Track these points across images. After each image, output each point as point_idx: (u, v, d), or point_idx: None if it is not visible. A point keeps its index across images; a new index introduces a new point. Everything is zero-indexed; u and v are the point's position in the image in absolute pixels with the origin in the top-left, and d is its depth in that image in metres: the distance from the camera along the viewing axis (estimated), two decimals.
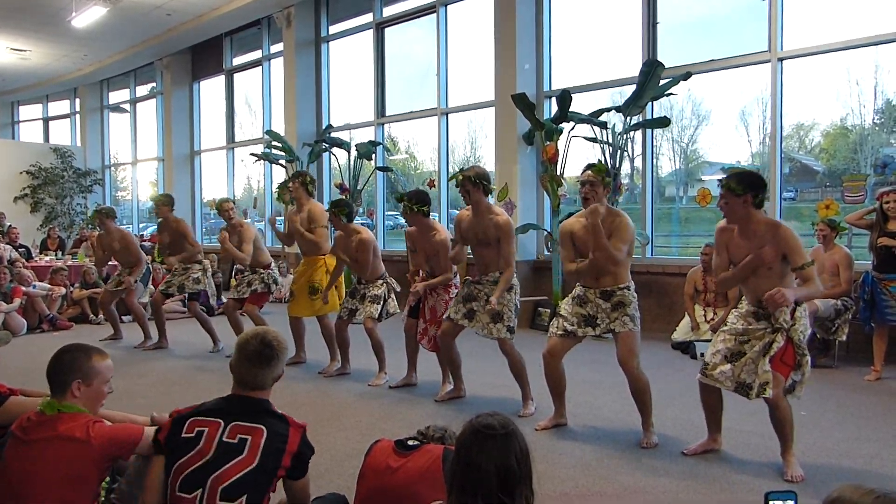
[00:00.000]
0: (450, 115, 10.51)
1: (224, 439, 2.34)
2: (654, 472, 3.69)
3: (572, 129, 8.10)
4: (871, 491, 1.42)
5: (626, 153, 8.01)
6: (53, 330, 8.73)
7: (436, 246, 5.18)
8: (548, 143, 8.19)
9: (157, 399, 5.23)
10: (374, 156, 10.84)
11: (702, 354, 5.79)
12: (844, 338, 6.07)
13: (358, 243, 5.67)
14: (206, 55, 14.86)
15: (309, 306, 6.26)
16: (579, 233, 4.23)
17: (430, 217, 5.36)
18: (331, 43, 12.45)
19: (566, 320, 4.27)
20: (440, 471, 2.29)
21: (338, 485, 3.35)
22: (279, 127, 12.47)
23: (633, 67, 8.06)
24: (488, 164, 9.40)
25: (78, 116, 18.67)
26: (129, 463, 2.56)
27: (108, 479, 2.53)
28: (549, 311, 8.16)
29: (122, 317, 8.42)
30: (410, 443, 2.49)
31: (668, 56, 7.92)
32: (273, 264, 7.01)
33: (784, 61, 7.29)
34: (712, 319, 6.72)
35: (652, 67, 7.57)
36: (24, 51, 14.90)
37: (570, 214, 4.57)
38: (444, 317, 4.96)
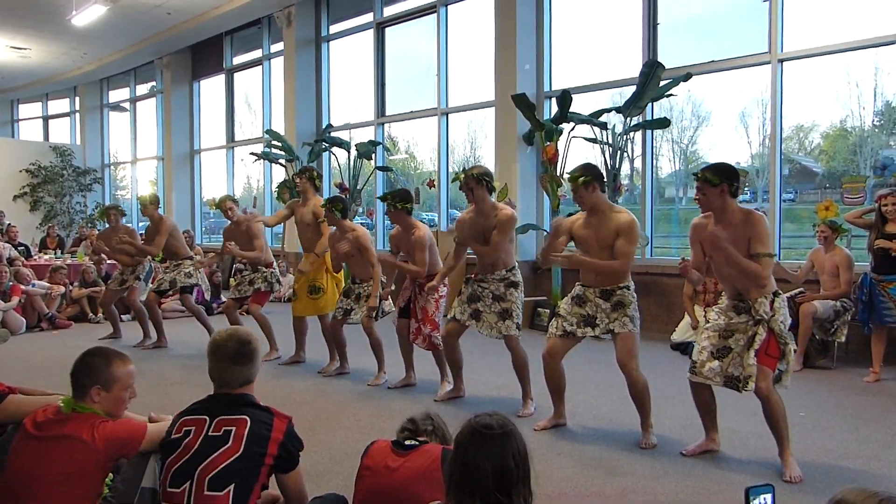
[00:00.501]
0: (450, 115, 10.50)
1: (210, 433, 2.37)
2: (653, 472, 3.69)
3: (572, 129, 8.10)
4: (875, 494, 1.42)
5: (625, 154, 8.01)
6: (53, 329, 8.73)
7: (413, 243, 5.20)
8: (548, 143, 8.18)
9: (157, 398, 5.22)
10: (373, 155, 10.84)
11: None
12: (843, 339, 6.07)
13: (355, 240, 5.67)
14: (207, 54, 14.85)
15: (311, 305, 6.27)
16: (579, 231, 4.24)
17: (413, 216, 5.36)
18: (331, 42, 12.45)
19: (565, 320, 4.27)
20: (439, 471, 2.29)
21: (337, 484, 3.34)
22: (279, 126, 12.47)
23: (634, 68, 8.06)
24: (488, 164, 9.38)
25: (77, 115, 18.67)
26: (124, 462, 2.56)
27: (111, 476, 2.54)
28: (548, 311, 8.16)
29: (122, 315, 8.42)
30: (408, 442, 2.49)
31: (669, 57, 7.92)
32: (275, 263, 7.00)
33: (784, 63, 7.29)
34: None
35: (652, 68, 7.57)
36: (24, 49, 14.89)
37: (570, 215, 4.57)
38: (449, 317, 4.96)
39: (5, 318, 8.27)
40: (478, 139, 10.80)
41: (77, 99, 18.60)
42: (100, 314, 9.29)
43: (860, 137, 7.60)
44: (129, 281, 7.68)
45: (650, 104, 7.90)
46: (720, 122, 8.61)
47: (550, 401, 4.50)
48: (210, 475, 2.29)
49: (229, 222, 6.88)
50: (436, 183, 10.28)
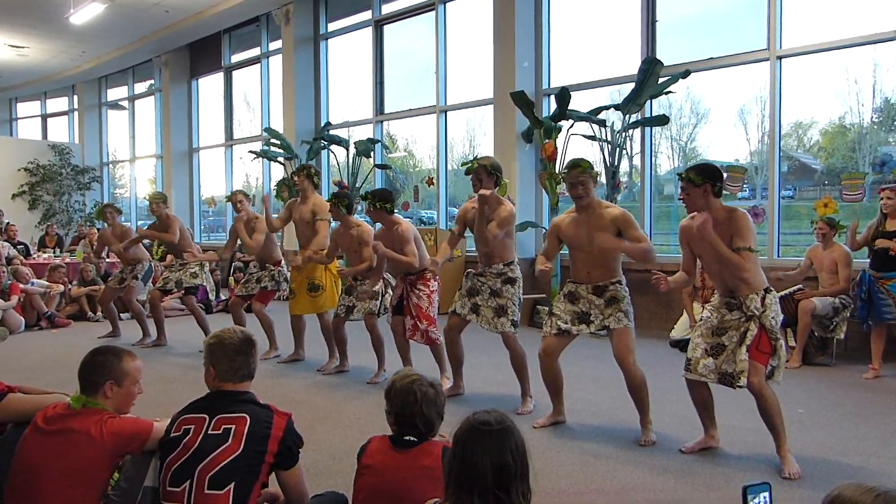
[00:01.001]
0: (448, 113, 10.50)
1: (209, 432, 2.37)
2: (652, 469, 3.70)
3: (571, 126, 8.10)
4: (872, 489, 1.42)
5: (624, 151, 8.01)
6: (51, 327, 8.73)
7: (399, 238, 5.21)
8: (546, 140, 8.19)
9: (156, 397, 5.22)
10: (372, 153, 10.84)
11: None
12: (843, 336, 6.08)
13: (359, 235, 5.68)
14: (205, 52, 14.84)
15: (310, 303, 6.26)
16: (567, 229, 4.24)
17: (395, 214, 5.41)
18: (329, 40, 12.44)
19: (559, 318, 4.27)
20: (440, 468, 2.29)
21: (336, 482, 3.35)
22: (278, 124, 12.47)
23: (632, 65, 8.06)
24: None
25: (76, 113, 18.65)
26: (126, 459, 2.57)
27: (116, 474, 2.55)
28: (547, 308, 8.16)
29: (121, 314, 8.42)
30: (407, 438, 2.49)
31: (667, 54, 7.92)
32: (283, 261, 6.99)
33: (783, 59, 7.29)
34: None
35: (651, 65, 7.57)
36: (23, 47, 14.87)
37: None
38: (450, 311, 4.96)
39: (4, 317, 8.26)
40: (476, 137, 10.81)
41: (75, 97, 18.58)
42: (99, 313, 9.30)
43: (859, 134, 7.61)
44: (128, 280, 7.69)
45: (649, 101, 7.90)
46: (719, 119, 8.62)
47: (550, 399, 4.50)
48: (210, 474, 2.29)
49: (237, 220, 6.87)
50: (434, 181, 10.28)
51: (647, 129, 8.30)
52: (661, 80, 7.60)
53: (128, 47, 14.95)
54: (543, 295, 8.44)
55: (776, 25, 7.24)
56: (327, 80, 12.49)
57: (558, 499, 3.37)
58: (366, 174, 11.12)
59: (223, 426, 2.38)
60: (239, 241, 6.91)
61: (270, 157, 11.75)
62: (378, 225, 5.55)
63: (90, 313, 9.38)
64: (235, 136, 14.65)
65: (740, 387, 3.61)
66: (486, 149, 10.16)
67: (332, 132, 11.66)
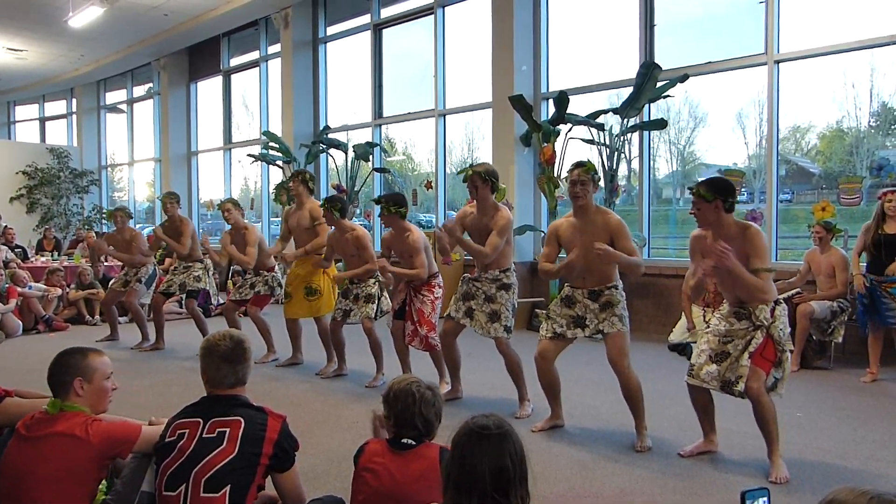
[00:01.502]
0: (447, 117, 10.51)
1: (204, 435, 2.38)
2: (650, 473, 3.70)
3: (569, 130, 8.11)
4: (866, 492, 1.43)
5: (623, 155, 8.02)
6: (49, 331, 8.71)
7: (409, 247, 5.19)
8: (545, 144, 8.19)
9: (154, 400, 5.22)
10: (371, 157, 10.84)
11: None
12: (840, 339, 6.07)
13: (355, 239, 5.67)
14: (204, 56, 14.85)
15: (306, 307, 6.25)
16: (565, 234, 4.24)
17: (407, 220, 5.33)
18: (328, 44, 12.45)
19: (555, 322, 4.28)
20: (438, 472, 2.29)
21: (335, 486, 3.35)
22: (276, 128, 12.47)
23: (631, 69, 8.08)
24: None
25: (74, 117, 18.65)
26: (124, 464, 2.57)
27: (106, 480, 2.54)
28: (545, 312, 8.16)
29: (120, 318, 8.41)
30: (405, 441, 2.49)
31: (665, 58, 7.94)
32: (277, 267, 6.99)
33: (780, 64, 7.31)
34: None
35: (649, 69, 7.59)
36: (21, 50, 14.87)
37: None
38: (445, 315, 4.96)
39: (2, 321, 8.25)
40: (475, 140, 10.82)
41: (74, 101, 18.58)
42: (97, 316, 9.29)
43: (856, 138, 7.62)
44: (131, 282, 7.67)
45: (647, 105, 7.91)
46: (717, 123, 8.63)
47: (548, 402, 4.50)
48: (206, 477, 2.30)
49: (229, 227, 6.85)
50: (433, 184, 10.29)
51: (646, 133, 8.31)
52: (659, 84, 7.61)
53: (126, 51, 14.95)
54: (541, 299, 8.45)
55: (774, 30, 7.26)
56: (326, 83, 12.50)
57: (556, 502, 3.37)
58: (364, 178, 11.12)
59: (217, 429, 2.38)
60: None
61: (269, 161, 11.76)
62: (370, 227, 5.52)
63: (88, 317, 9.37)
64: (234, 140, 14.66)
65: (740, 392, 3.60)
66: (484, 152, 10.18)
67: (330, 136, 11.66)
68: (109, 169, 18.77)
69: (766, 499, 1.77)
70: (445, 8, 10.35)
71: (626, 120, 7.77)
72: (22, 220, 15.83)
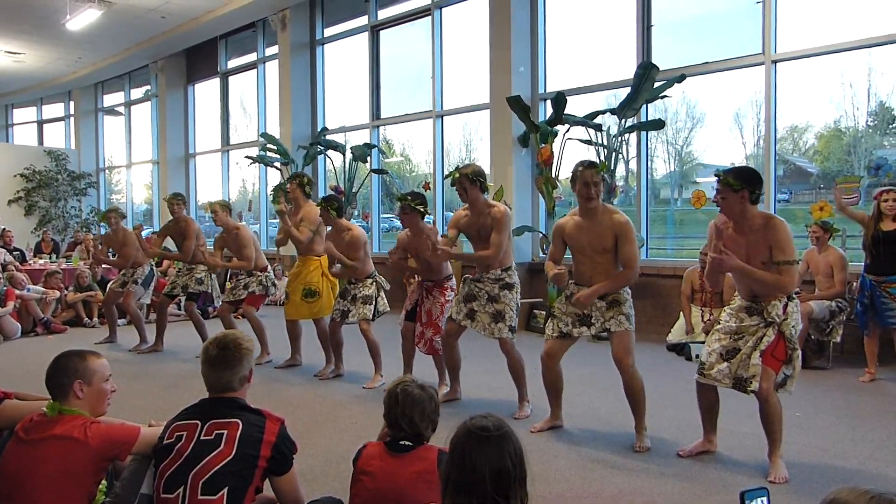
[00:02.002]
0: (445, 118, 10.52)
1: (202, 437, 2.38)
2: (649, 473, 3.70)
3: (567, 131, 8.12)
4: (867, 492, 1.43)
5: (620, 155, 8.03)
6: (48, 333, 8.70)
7: (426, 244, 5.17)
8: (543, 145, 8.20)
9: (152, 402, 5.22)
10: (369, 158, 10.84)
11: (697, 356, 5.81)
12: (839, 339, 6.08)
13: (350, 239, 5.66)
14: (201, 58, 14.85)
15: (305, 309, 6.25)
16: (571, 233, 4.23)
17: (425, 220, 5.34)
18: (326, 45, 12.45)
19: (560, 321, 4.27)
20: (436, 473, 2.29)
21: (333, 488, 3.34)
22: (274, 129, 12.47)
23: (628, 70, 8.08)
24: (483, 166, 9.42)
25: (72, 119, 18.64)
26: (124, 466, 2.57)
27: (105, 482, 2.54)
28: (544, 313, 8.16)
29: (119, 320, 8.40)
30: (403, 443, 2.49)
31: (663, 58, 7.94)
32: (269, 267, 6.98)
33: (778, 64, 7.32)
34: (708, 320, 6.71)
35: (646, 70, 7.59)
36: (19, 53, 14.86)
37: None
38: (447, 317, 4.96)
39: (0, 323, 8.24)
40: (473, 141, 10.82)
41: (72, 103, 18.57)
42: (95, 318, 9.29)
43: (854, 138, 7.63)
44: (128, 283, 7.67)
45: (645, 106, 7.92)
46: (715, 124, 8.63)
47: (547, 403, 4.50)
48: (203, 479, 2.29)
49: (222, 230, 6.84)
50: (431, 186, 10.29)
51: (643, 134, 8.32)
52: (656, 85, 7.62)
53: (124, 53, 14.95)
54: (540, 300, 8.45)
55: (771, 30, 7.27)
56: (324, 85, 12.50)
57: (556, 503, 3.37)
58: (362, 179, 11.13)
59: (215, 431, 2.38)
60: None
61: (267, 163, 11.75)
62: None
63: (86, 319, 9.36)
64: (232, 142, 14.65)
65: (752, 391, 3.59)
66: (482, 153, 10.19)
67: (328, 137, 11.67)
68: (107, 171, 18.76)
69: (765, 498, 1.77)
70: (443, 9, 10.36)
71: (623, 120, 7.77)
72: (20, 222, 15.84)
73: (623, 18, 8.51)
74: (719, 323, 3.83)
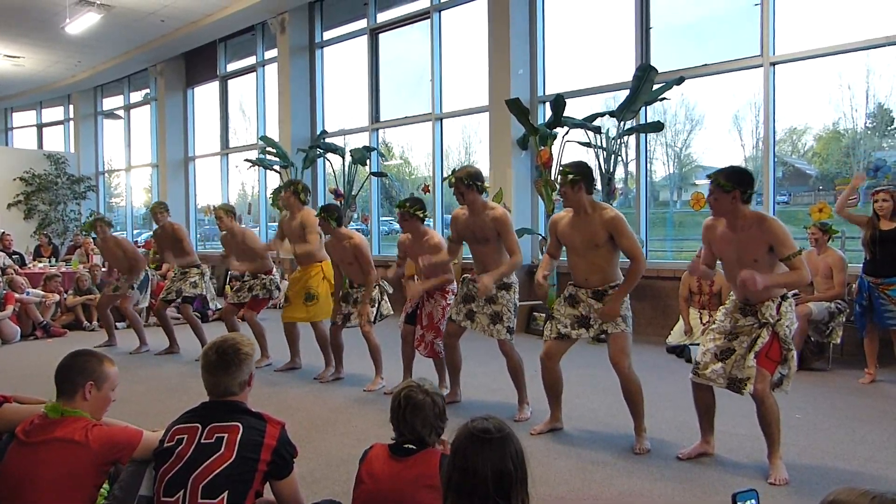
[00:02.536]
0: (444, 121, 10.52)
1: (202, 441, 2.37)
2: (649, 475, 3.70)
3: (566, 133, 8.13)
4: (867, 492, 1.43)
5: (620, 158, 8.04)
6: (47, 337, 8.70)
7: (431, 250, 5.18)
8: (542, 147, 8.20)
9: (151, 405, 5.21)
10: (368, 161, 10.84)
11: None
12: (839, 341, 6.07)
13: (354, 248, 5.66)
14: (200, 61, 14.85)
15: (303, 312, 6.24)
16: (563, 230, 4.24)
17: (426, 224, 5.35)
18: (325, 49, 12.46)
19: (559, 322, 4.28)
20: (437, 477, 2.29)
21: (333, 491, 3.34)
22: (273, 133, 12.48)
23: (627, 72, 8.09)
24: (482, 168, 9.42)
25: (72, 123, 18.64)
26: (123, 469, 2.57)
27: (107, 485, 2.54)
28: (543, 315, 8.16)
29: (117, 323, 8.40)
30: (406, 446, 2.49)
31: (662, 61, 7.95)
32: (275, 270, 6.98)
33: (776, 66, 7.33)
34: (707, 322, 6.71)
35: (645, 72, 7.60)
36: (18, 57, 14.88)
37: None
38: (447, 318, 4.96)
39: None
40: (472, 144, 10.83)
41: (71, 107, 18.57)
42: (94, 322, 9.28)
43: (853, 139, 7.64)
44: (122, 288, 7.68)
45: (644, 108, 7.93)
46: (713, 126, 8.64)
47: (547, 405, 4.50)
48: (203, 482, 2.29)
49: (226, 232, 6.84)
50: (430, 188, 10.30)
51: (642, 136, 8.32)
52: (655, 87, 7.63)
53: (123, 57, 14.96)
54: (540, 302, 8.45)
55: (769, 32, 7.28)
56: (323, 88, 12.51)
57: None
58: (362, 182, 11.13)
59: (216, 435, 2.38)
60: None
61: (266, 166, 11.76)
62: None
63: (86, 323, 9.36)
64: (231, 145, 14.65)
65: (746, 392, 3.60)
66: (481, 156, 10.19)
67: (327, 140, 11.67)
68: (107, 175, 18.76)
69: (754, 500, 1.80)
70: (441, 12, 10.37)
71: (622, 123, 7.78)
72: (19, 226, 15.84)
73: (622, 21, 8.52)
74: (714, 322, 3.85)
